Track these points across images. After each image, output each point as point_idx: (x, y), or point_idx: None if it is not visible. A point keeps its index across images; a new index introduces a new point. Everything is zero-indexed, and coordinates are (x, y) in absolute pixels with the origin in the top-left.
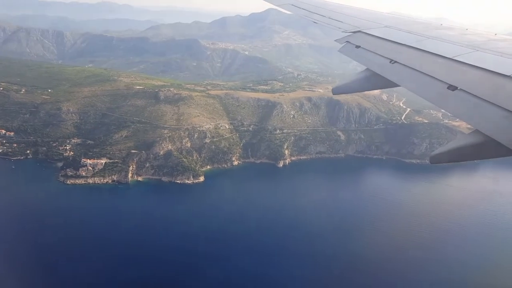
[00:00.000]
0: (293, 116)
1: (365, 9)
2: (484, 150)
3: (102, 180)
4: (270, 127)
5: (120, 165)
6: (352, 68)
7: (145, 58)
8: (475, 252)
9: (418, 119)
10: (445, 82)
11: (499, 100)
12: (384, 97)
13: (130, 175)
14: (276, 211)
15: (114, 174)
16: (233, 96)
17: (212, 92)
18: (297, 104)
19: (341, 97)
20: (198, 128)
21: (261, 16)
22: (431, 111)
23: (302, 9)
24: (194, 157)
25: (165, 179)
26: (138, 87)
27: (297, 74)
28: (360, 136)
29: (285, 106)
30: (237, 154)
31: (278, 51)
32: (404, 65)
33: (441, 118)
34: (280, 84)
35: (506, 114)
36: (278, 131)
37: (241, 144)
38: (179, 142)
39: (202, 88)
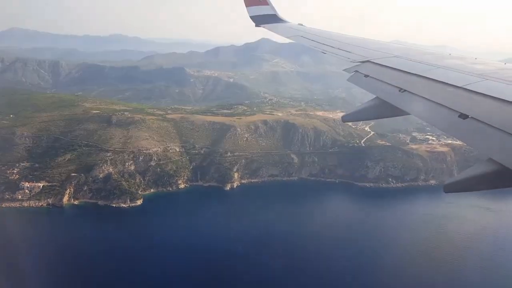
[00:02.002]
0: (247, 139)
1: (374, 40)
2: (498, 179)
3: (37, 204)
4: (221, 150)
5: (57, 188)
6: (336, 95)
7: (132, 85)
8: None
9: (380, 143)
10: (456, 111)
11: (511, 128)
12: None
13: (66, 198)
14: (195, 234)
15: (50, 198)
16: (188, 120)
17: (169, 116)
18: (252, 127)
19: (297, 120)
20: (144, 151)
21: (254, 45)
22: (400, 134)
23: (312, 40)
24: (137, 180)
25: (101, 202)
26: (95, 111)
27: (269, 99)
28: (314, 159)
29: (239, 129)
30: (185, 177)
31: (265, 78)
32: (414, 93)
33: (408, 142)
34: (244, 108)
35: None
36: (229, 154)
37: (191, 167)
38: (121, 165)
39: (161, 112)
